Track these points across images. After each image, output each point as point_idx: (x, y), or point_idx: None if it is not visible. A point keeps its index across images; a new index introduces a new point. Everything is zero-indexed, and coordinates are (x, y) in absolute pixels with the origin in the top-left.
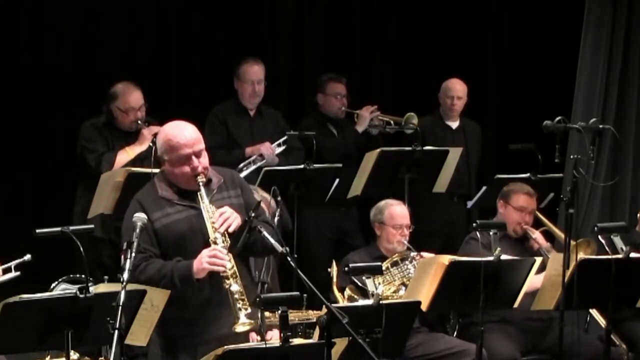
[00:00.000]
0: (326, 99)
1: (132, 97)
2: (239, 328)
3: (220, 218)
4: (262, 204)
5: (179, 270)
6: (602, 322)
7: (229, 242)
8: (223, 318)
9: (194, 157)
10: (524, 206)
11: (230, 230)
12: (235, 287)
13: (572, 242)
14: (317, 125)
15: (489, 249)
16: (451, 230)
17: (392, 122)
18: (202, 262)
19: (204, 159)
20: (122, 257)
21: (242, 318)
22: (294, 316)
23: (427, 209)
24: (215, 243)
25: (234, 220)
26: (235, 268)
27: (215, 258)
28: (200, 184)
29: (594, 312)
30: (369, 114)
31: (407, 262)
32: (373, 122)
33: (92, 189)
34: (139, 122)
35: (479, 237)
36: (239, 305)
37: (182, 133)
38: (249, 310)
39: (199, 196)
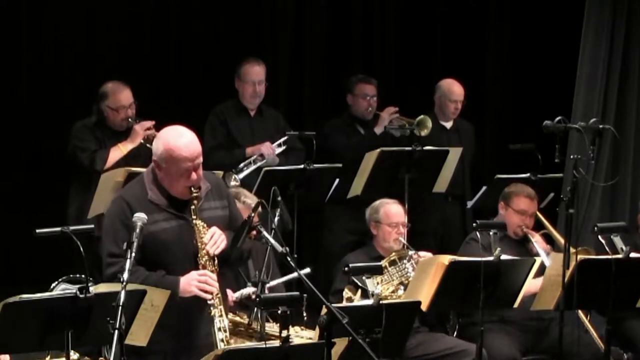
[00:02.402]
0: (354, 100)
1: (122, 96)
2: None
3: (211, 240)
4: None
5: (164, 286)
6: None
7: (217, 268)
8: (197, 329)
9: (193, 172)
10: (525, 209)
11: (217, 252)
12: (218, 318)
13: (572, 250)
14: (344, 125)
15: (489, 250)
16: (446, 230)
17: (406, 124)
18: (191, 284)
19: (200, 171)
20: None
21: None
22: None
23: (422, 209)
24: (204, 267)
25: (222, 242)
26: (220, 297)
27: (205, 284)
28: (194, 197)
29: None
30: (388, 116)
31: (404, 261)
32: (392, 124)
33: (86, 188)
34: (130, 119)
35: (479, 238)
36: (220, 337)
37: (185, 145)
38: (231, 343)
39: (192, 211)
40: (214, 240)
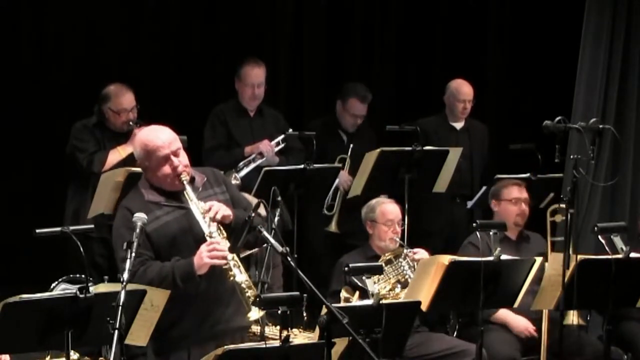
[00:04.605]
0: (343, 111)
1: (125, 99)
2: (253, 316)
3: (211, 211)
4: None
5: (180, 269)
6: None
7: (225, 234)
8: (218, 314)
9: (172, 157)
10: (518, 196)
11: (220, 217)
12: (240, 276)
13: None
14: (325, 127)
15: (488, 254)
16: (452, 230)
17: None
18: (203, 257)
19: (183, 158)
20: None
21: (254, 306)
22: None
23: (429, 209)
24: (211, 237)
25: (225, 210)
26: (236, 257)
27: (214, 251)
28: (185, 182)
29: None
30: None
31: (401, 260)
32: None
33: (84, 189)
34: (131, 123)
35: (478, 239)
36: (248, 294)
37: (157, 136)
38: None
39: (186, 195)
40: (213, 210)
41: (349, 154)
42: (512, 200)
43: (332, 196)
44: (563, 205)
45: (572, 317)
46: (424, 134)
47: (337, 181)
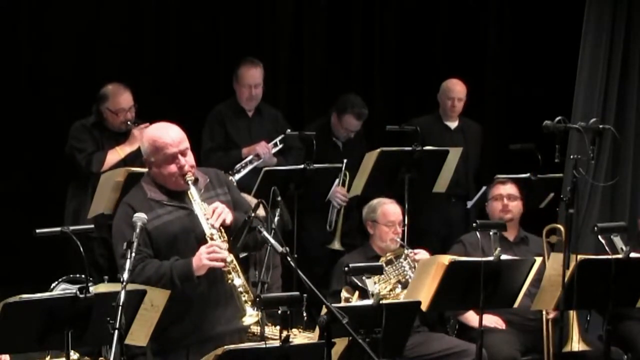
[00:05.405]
0: (338, 124)
1: (122, 98)
2: (248, 320)
3: (214, 214)
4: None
5: (178, 268)
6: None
7: (226, 237)
8: (218, 316)
9: (180, 156)
10: (500, 193)
11: (228, 222)
12: (238, 280)
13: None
14: (319, 131)
15: (479, 249)
16: (448, 230)
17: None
18: (202, 258)
19: (190, 158)
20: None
21: (249, 310)
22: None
23: (425, 209)
24: (212, 239)
25: (227, 214)
26: (235, 262)
27: (214, 253)
28: (189, 182)
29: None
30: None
31: (401, 260)
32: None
33: (83, 189)
34: (129, 122)
35: (471, 238)
36: (244, 299)
37: (167, 133)
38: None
39: (190, 195)
40: (217, 214)
41: (344, 166)
42: (495, 197)
43: (332, 212)
44: (558, 225)
45: (573, 343)
46: (421, 134)
47: (330, 195)
